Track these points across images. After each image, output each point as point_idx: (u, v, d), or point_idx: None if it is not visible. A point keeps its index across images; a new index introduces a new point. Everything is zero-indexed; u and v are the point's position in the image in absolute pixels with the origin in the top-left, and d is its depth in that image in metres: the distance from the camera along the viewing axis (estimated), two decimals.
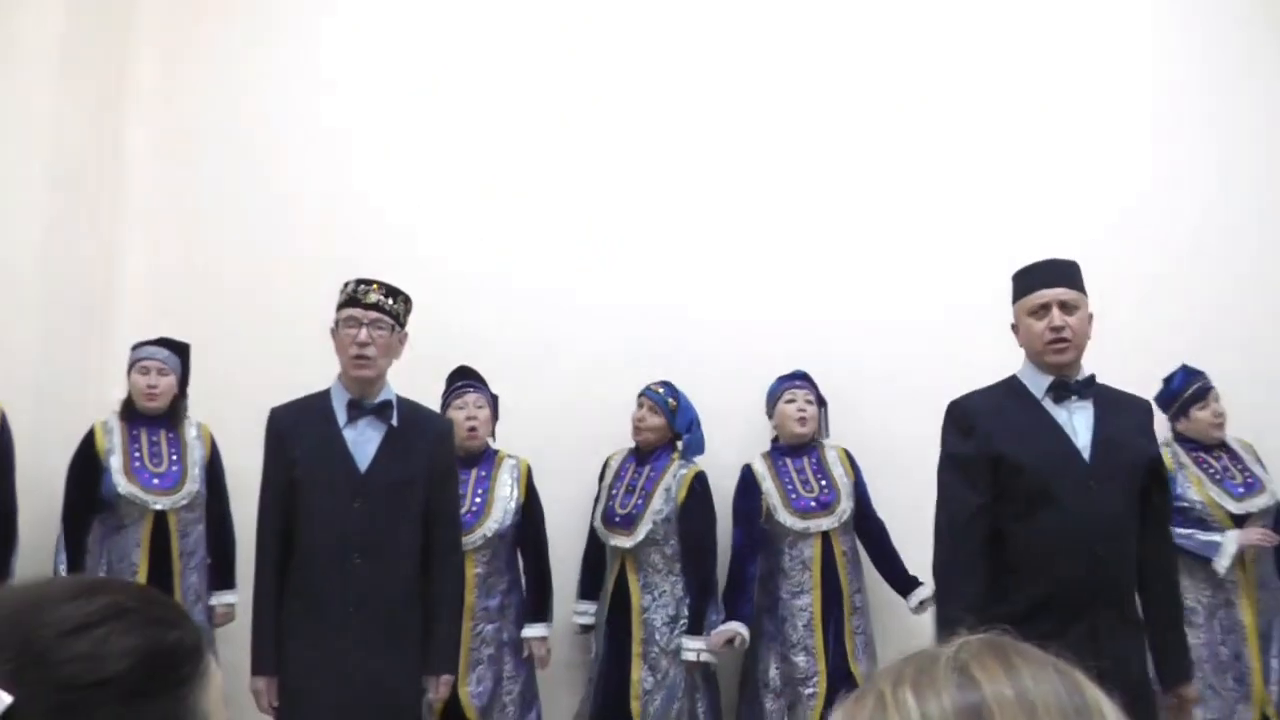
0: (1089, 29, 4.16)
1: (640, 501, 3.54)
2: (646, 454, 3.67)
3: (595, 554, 3.70)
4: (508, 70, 4.26)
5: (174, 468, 3.45)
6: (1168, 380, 3.58)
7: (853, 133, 4.15)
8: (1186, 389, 3.54)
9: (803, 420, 3.62)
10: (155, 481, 3.40)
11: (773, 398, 3.72)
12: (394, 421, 2.75)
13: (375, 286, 2.76)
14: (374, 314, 2.72)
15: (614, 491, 3.62)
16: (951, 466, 2.44)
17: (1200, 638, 3.25)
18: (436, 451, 2.82)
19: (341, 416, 2.73)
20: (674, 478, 3.58)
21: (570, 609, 3.74)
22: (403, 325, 2.80)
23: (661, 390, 3.69)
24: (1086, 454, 2.34)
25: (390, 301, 2.77)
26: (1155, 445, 2.48)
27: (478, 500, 3.44)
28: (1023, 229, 3.84)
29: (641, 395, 3.70)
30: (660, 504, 3.52)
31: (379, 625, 2.63)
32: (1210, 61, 4.11)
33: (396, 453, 2.72)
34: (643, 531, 3.48)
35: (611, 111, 4.22)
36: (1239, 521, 3.35)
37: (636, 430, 3.68)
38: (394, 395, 2.79)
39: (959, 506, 2.40)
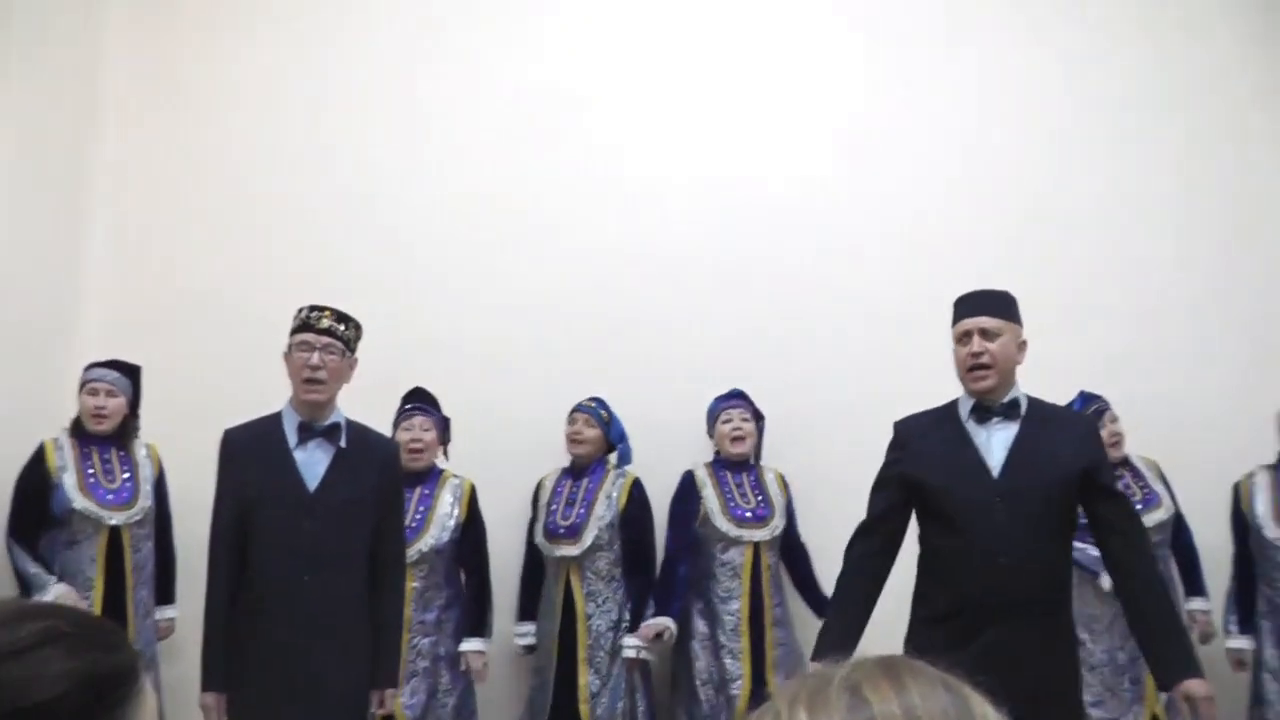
0: (1010, 73, 4.33)
1: (583, 511, 3.70)
2: (581, 468, 3.83)
3: (533, 575, 3.82)
4: (466, 87, 4.35)
5: (127, 484, 3.51)
6: (1069, 405, 3.77)
7: (799, 157, 4.29)
8: (1084, 411, 3.72)
9: (738, 439, 3.80)
10: (110, 497, 3.46)
11: (711, 417, 3.88)
12: (343, 443, 2.83)
13: (328, 313, 2.86)
14: (326, 339, 2.81)
15: (553, 507, 3.76)
16: (878, 477, 2.64)
17: (1101, 644, 3.46)
18: (383, 473, 2.90)
19: (292, 438, 2.81)
20: (614, 485, 3.78)
21: (512, 628, 3.83)
22: (353, 350, 2.89)
23: (594, 404, 3.86)
24: (996, 472, 2.46)
25: (342, 327, 2.86)
26: (1091, 459, 2.48)
27: (418, 516, 3.57)
28: (959, 255, 4.01)
29: (575, 411, 3.86)
30: (603, 510, 3.70)
31: (328, 641, 2.71)
32: (1128, 102, 4.30)
33: (345, 474, 2.81)
34: (589, 538, 3.65)
35: (556, 130, 4.32)
36: None
37: (573, 443, 3.82)
38: (343, 418, 2.87)
39: (869, 515, 2.61)
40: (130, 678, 0.83)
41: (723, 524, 3.70)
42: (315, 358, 2.79)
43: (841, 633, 2.46)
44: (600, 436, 3.84)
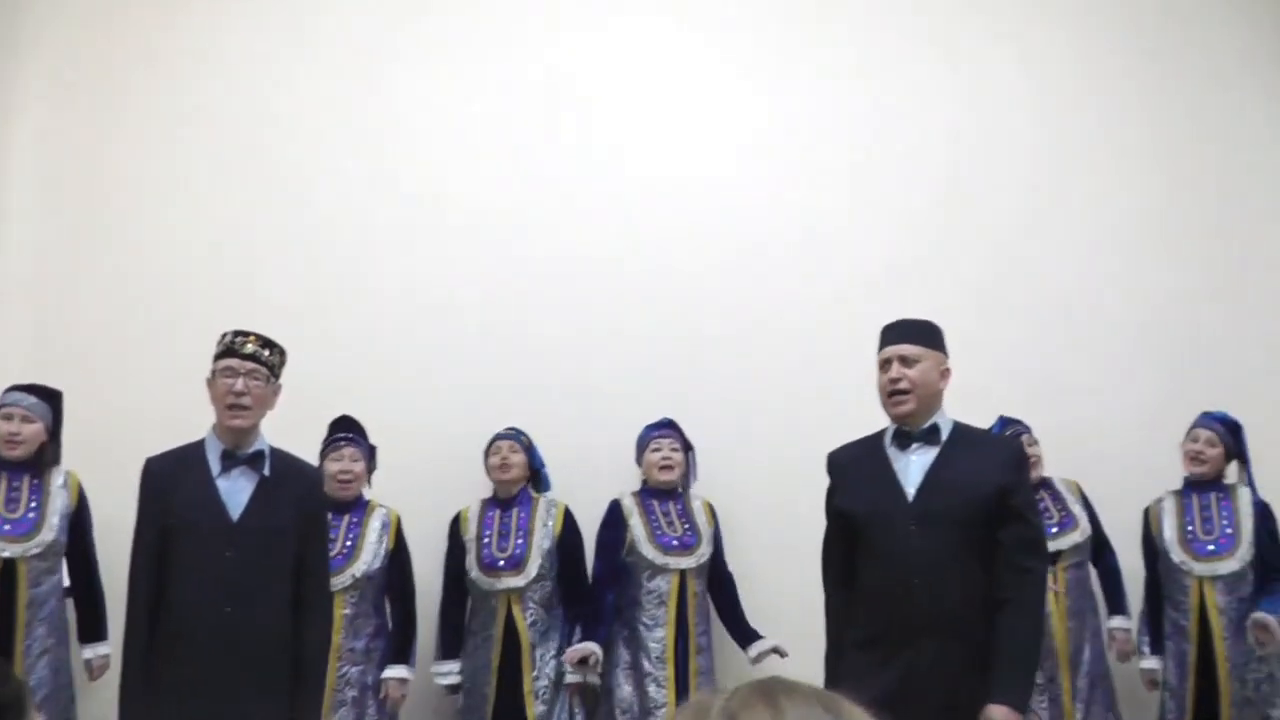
0: (936, 106, 4.44)
1: (521, 541, 3.69)
2: (509, 498, 3.81)
3: (456, 610, 3.77)
4: (391, 113, 4.36)
5: (30, 515, 3.39)
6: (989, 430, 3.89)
7: (733, 189, 4.35)
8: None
9: (667, 468, 3.83)
10: (7, 528, 3.34)
11: (641, 445, 3.90)
12: (266, 471, 2.80)
13: (252, 338, 2.82)
14: (250, 365, 2.78)
15: (485, 539, 3.73)
16: (826, 508, 2.72)
17: None
18: (307, 502, 2.87)
19: (215, 466, 2.76)
20: (548, 513, 3.78)
21: (433, 666, 3.77)
22: (277, 376, 2.86)
23: (514, 431, 3.87)
24: (911, 496, 2.51)
25: (266, 353, 2.83)
26: (1008, 481, 2.51)
27: (348, 544, 3.57)
28: (887, 285, 4.10)
29: (497, 440, 3.84)
30: (542, 539, 3.71)
31: (250, 674, 2.67)
32: (1045, 127, 4.42)
33: (268, 502, 2.77)
34: (534, 568, 3.66)
35: (474, 155, 4.34)
36: (1051, 559, 3.58)
37: (501, 471, 3.79)
38: (267, 445, 2.84)
39: (826, 553, 2.70)
40: (13, 711, 0.82)
41: (649, 552, 3.72)
42: (239, 383, 2.75)
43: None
44: (525, 463, 3.84)
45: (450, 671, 3.71)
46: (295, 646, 2.79)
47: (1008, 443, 2.74)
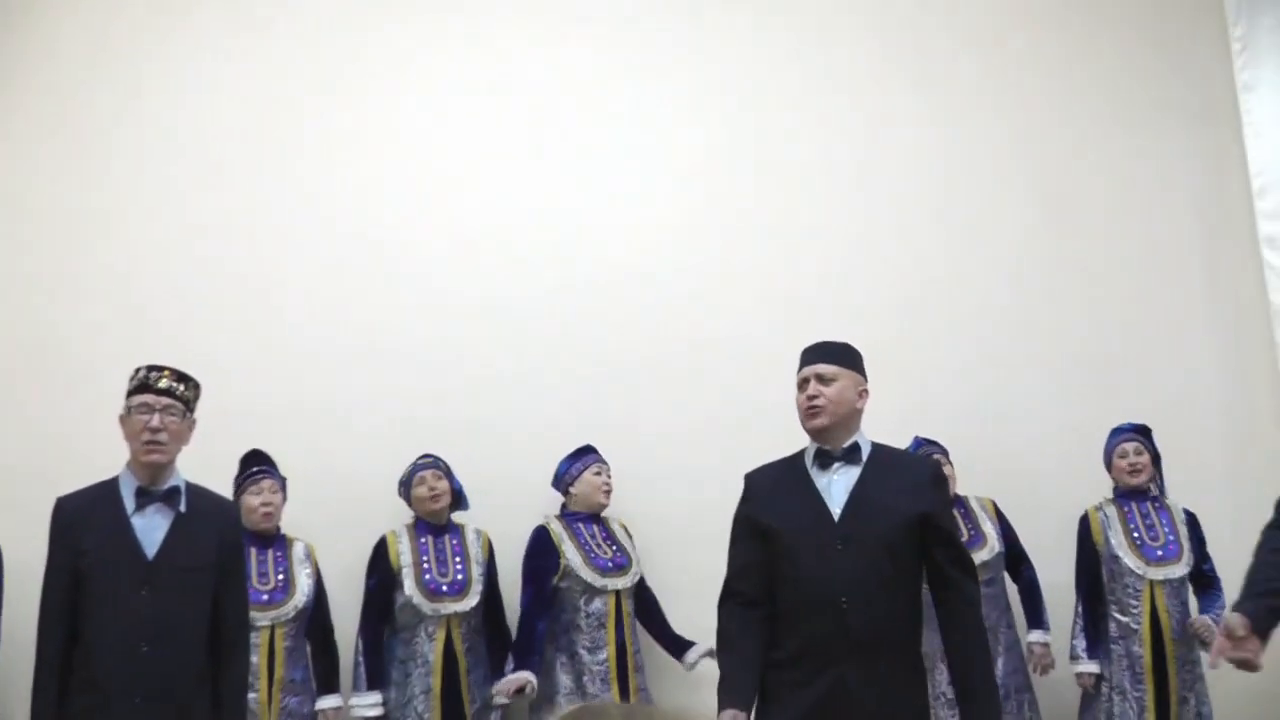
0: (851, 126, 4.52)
1: (461, 566, 3.71)
2: (439, 525, 3.81)
3: (381, 640, 3.71)
4: (293, 146, 4.33)
5: None
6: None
7: (642, 214, 4.37)
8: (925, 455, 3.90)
9: (609, 491, 3.89)
10: None
11: (575, 470, 3.90)
12: (182, 508, 2.75)
13: (167, 373, 2.78)
14: (166, 400, 2.74)
15: (424, 564, 3.70)
16: (733, 530, 2.69)
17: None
18: (225, 537, 2.84)
19: (130, 504, 2.71)
20: (476, 541, 3.82)
21: (354, 699, 3.68)
22: (192, 411, 2.83)
23: (432, 459, 3.86)
24: (837, 516, 2.52)
25: (181, 387, 2.79)
26: (930, 503, 2.56)
27: (280, 577, 3.56)
28: (802, 310, 4.14)
29: (420, 471, 3.81)
30: (476, 565, 3.74)
31: (167, 715, 2.62)
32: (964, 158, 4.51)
33: (185, 539, 2.72)
34: (476, 594, 3.68)
35: (386, 182, 4.34)
36: None
37: (434, 499, 3.77)
38: (183, 481, 2.80)
39: (733, 566, 2.66)
40: None
41: (588, 575, 3.71)
42: (155, 419, 2.71)
43: (737, 689, 2.51)
44: (449, 488, 3.85)
45: (374, 704, 3.63)
46: (215, 685, 2.75)
47: (927, 463, 2.75)
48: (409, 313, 4.23)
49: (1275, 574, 2.48)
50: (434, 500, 3.78)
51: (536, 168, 4.39)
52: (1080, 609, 3.83)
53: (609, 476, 3.90)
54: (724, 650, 2.60)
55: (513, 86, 4.43)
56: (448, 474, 3.85)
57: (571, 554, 3.74)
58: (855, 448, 2.61)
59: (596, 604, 3.70)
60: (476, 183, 4.37)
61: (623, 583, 3.74)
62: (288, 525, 3.70)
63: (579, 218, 4.35)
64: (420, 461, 3.84)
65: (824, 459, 2.61)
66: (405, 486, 3.84)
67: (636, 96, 4.46)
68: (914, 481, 2.59)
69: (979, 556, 3.74)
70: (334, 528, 3.85)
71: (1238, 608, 2.44)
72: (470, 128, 4.39)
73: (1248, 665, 2.38)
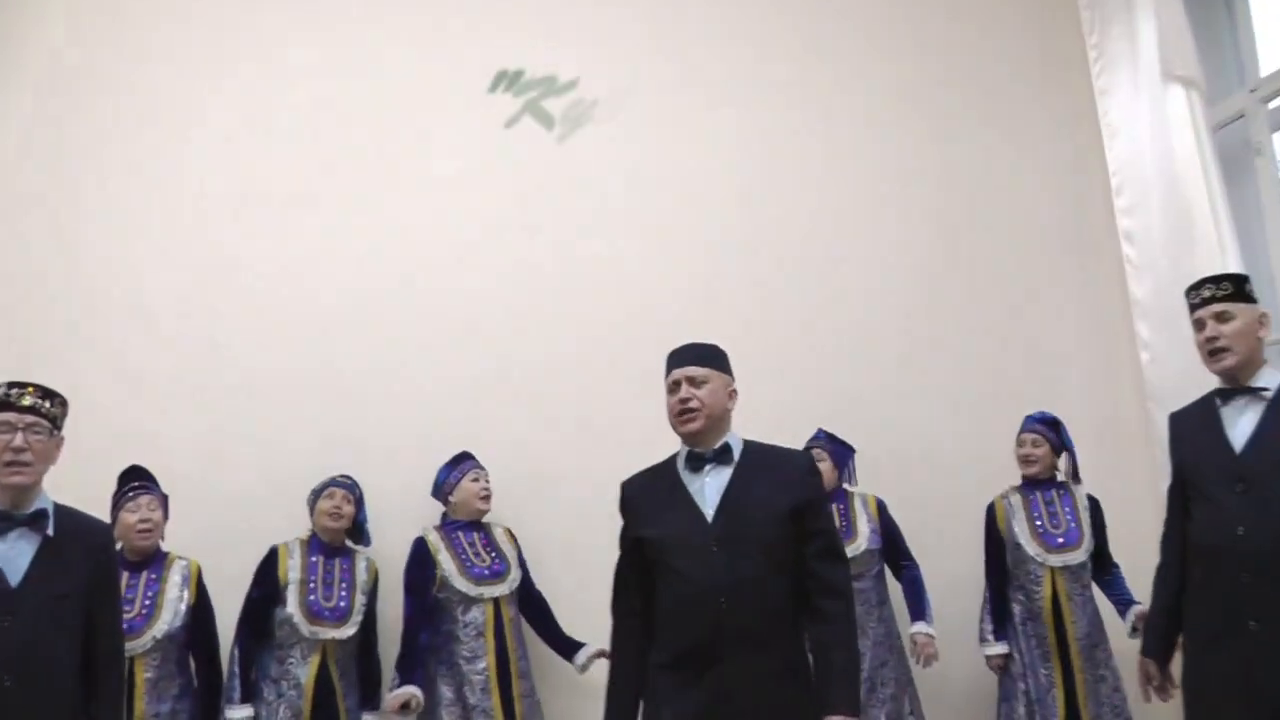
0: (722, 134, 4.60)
1: (345, 593, 3.64)
2: (333, 548, 3.73)
3: (255, 651, 3.60)
4: (179, 154, 4.27)
5: None
6: (811, 439, 4.06)
7: (520, 228, 4.41)
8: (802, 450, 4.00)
9: (487, 497, 3.87)
10: None
11: (454, 478, 3.87)
12: (50, 531, 2.58)
13: (30, 389, 2.61)
14: (30, 417, 2.57)
15: (310, 585, 3.61)
16: (620, 540, 2.69)
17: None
18: (98, 561, 2.67)
19: None
20: (365, 568, 3.76)
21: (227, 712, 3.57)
22: (59, 429, 2.66)
23: (350, 480, 3.80)
24: (710, 517, 2.54)
25: (47, 404, 2.62)
26: (801, 497, 2.55)
27: (147, 603, 3.39)
28: (684, 314, 4.21)
29: (332, 487, 3.75)
30: (361, 594, 3.68)
31: None
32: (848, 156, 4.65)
33: (53, 565, 2.56)
34: (355, 623, 3.61)
35: (266, 201, 4.30)
36: None
37: (336, 518, 3.70)
38: (50, 503, 2.62)
39: (618, 576, 2.67)
40: None
41: (462, 584, 3.68)
42: (18, 438, 2.54)
43: (621, 702, 2.57)
44: (354, 515, 3.77)
45: (246, 717, 3.51)
46: (87, 717, 2.59)
47: (801, 458, 2.72)
48: (286, 328, 4.20)
49: (1168, 621, 2.84)
50: (334, 519, 3.71)
51: (411, 183, 4.39)
52: (988, 594, 3.96)
53: (487, 482, 3.88)
54: (614, 655, 2.66)
55: (366, 98, 4.44)
56: (358, 502, 3.79)
57: (447, 564, 3.71)
58: (726, 448, 2.63)
59: (474, 613, 3.67)
60: (350, 200, 4.34)
61: (500, 590, 3.71)
62: (179, 543, 3.59)
63: (454, 232, 4.36)
64: (338, 478, 3.78)
65: (695, 461, 2.61)
66: (314, 496, 3.75)
67: (498, 113, 4.48)
68: (786, 476, 2.60)
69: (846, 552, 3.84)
70: (224, 545, 3.76)
71: (1146, 651, 2.90)
72: (350, 139, 4.39)
73: (1166, 695, 2.88)
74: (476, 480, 3.86)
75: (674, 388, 2.64)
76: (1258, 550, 2.55)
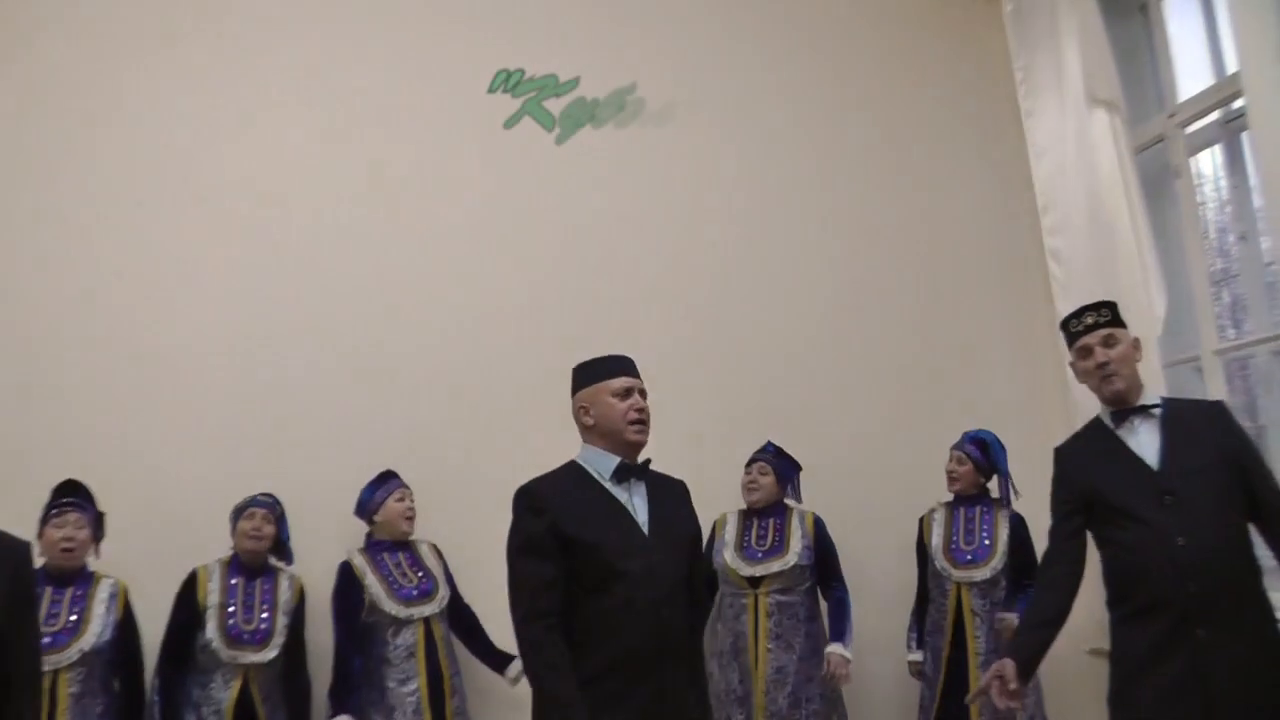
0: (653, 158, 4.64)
1: (266, 615, 3.58)
2: (254, 568, 3.68)
3: (178, 681, 3.55)
4: (128, 169, 4.26)
5: None
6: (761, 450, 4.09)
7: (441, 237, 4.42)
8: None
9: (411, 517, 3.84)
10: None
11: (378, 498, 3.84)
12: None
13: None
14: None
15: (229, 608, 3.56)
16: (526, 547, 2.54)
17: (727, 676, 3.83)
18: (14, 578, 2.55)
19: None
20: (289, 588, 3.70)
21: None
22: None
23: (270, 499, 3.76)
24: (645, 529, 2.57)
25: None
26: (697, 525, 2.77)
27: (73, 618, 3.34)
28: (613, 328, 4.21)
29: (252, 507, 3.71)
30: (283, 615, 3.62)
31: None
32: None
33: None
34: (277, 645, 3.55)
35: (204, 203, 4.28)
36: (754, 583, 3.88)
37: (253, 539, 3.66)
38: None
39: (536, 583, 2.51)
40: None
41: (391, 607, 3.64)
42: None
43: (564, 663, 2.49)
44: (275, 534, 3.73)
45: None
46: None
47: (683, 486, 2.80)
48: (218, 340, 4.20)
49: (1042, 610, 2.76)
50: (254, 540, 3.67)
51: (348, 201, 4.39)
52: (915, 605, 4.06)
53: (411, 501, 3.85)
54: (551, 670, 2.47)
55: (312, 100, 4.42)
56: (279, 520, 3.75)
57: (374, 586, 3.68)
58: (646, 464, 2.68)
59: (405, 635, 3.64)
60: (278, 208, 4.32)
61: (430, 609, 3.68)
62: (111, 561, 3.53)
63: (389, 250, 4.37)
64: (259, 497, 3.74)
65: (622, 474, 2.62)
66: (235, 515, 3.71)
67: (436, 135, 4.48)
68: (683, 499, 2.76)
69: (771, 566, 3.90)
70: (158, 563, 3.70)
71: (1012, 653, 2.71)
72: (308, 161, 4.38)
73: (1016, 703, 2.66)
74: (401, 500, 3.83)
75: (625, 394, 2.64)
76: (1200, 558, 2.57)
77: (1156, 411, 2.79)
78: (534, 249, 4.43)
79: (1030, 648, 2.72)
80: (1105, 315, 2.84)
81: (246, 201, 4.28)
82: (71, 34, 4.31)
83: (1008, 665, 2.65)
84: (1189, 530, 2.60)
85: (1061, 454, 2.92)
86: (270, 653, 3.54)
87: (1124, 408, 2.80)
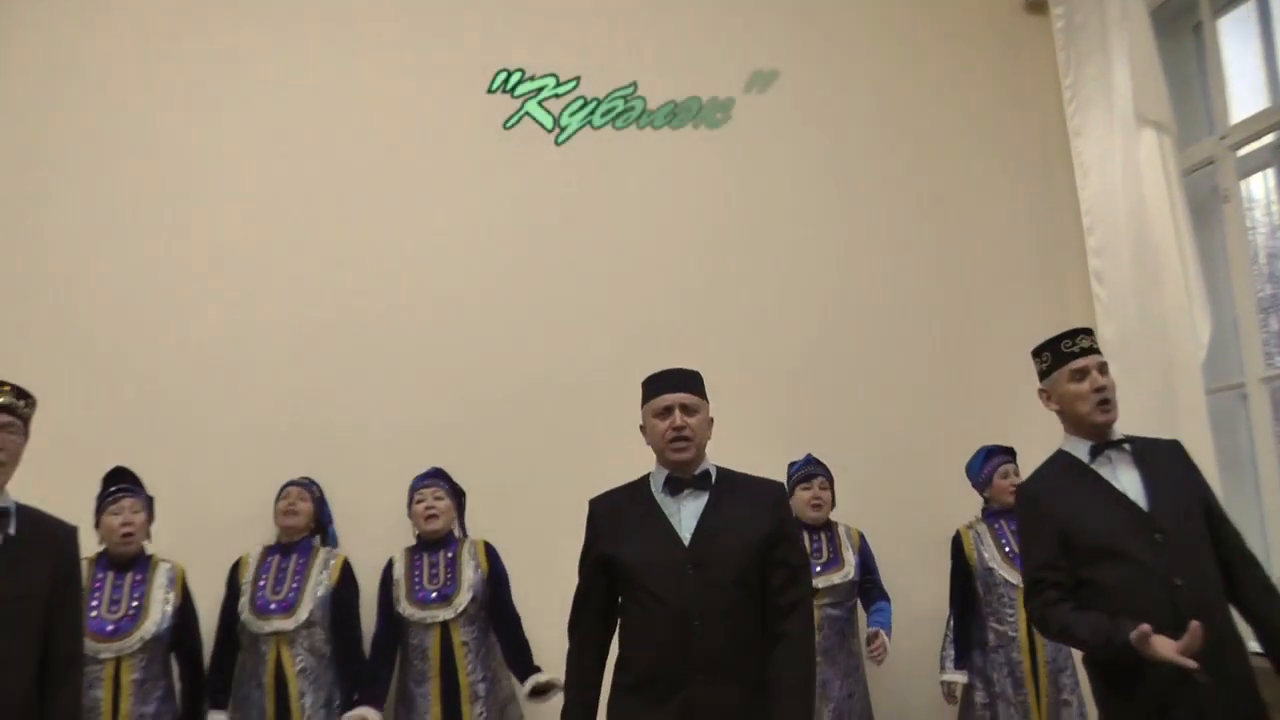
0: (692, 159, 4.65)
1: (295, 585, 3.67)
2: (290, 545, 3.81)
3: (227, 658, 3.72)
4: (157, 170, 4.36)
5: None
6: (793, 464, 4.09)
7: (492, 240, 4.47)
8: (796, 473, 4.05)
9: (433, 517, 3.83)
10: None
11: (409, 498, 3.92)
12: (12, 531, 2.63)
13: (6, 388, 2.67)
14: (6, 417, 2.63)
15: (260, 583, 3.70)
16: (580, 560, 2.73)
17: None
18: (60, 561, 2.70)
19: None
20: (325, 563, 3.77)
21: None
22: (29, 429, 2.74)
23: (306, 480, 3.89)
24: (686, 541, 2.58)
25: (22, 403, 2.69)
26: (772, 523, 2.61)
27: (134, 604, 3.45)
28: (660, 336, 4.29)
29: (288, 486, 3.85)
30: (316, 585, 3.69)
31: None
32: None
33: (14, 565, 2.60)
34: (304, 612, 3.63)
35: (251, 200, 4.38)
36: None
37: (287, 515, 3.78)
38: (13, 503, 2.67)
39: (579, 596, 2.71)
40: None
41: (406, 609, 3.73)
42: None
43: (589, 674, 2.63)
44: (312, 511, 3.85)
45: None
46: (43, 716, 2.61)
47: (771, 486, 2.76)
48: (272, 331, 4.28)
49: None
50: (287, 517, 3.79)
51: (404, 195, 4.46)
52: (952, 622, 3.98)
53: (435, 500, 3.83)
54: (570, 685, 2.68)
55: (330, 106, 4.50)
56: (317, 501, 3.84)
57: (399, 585, 3.77)
58: (706, 474, 2.68)
59: (421, 636, 3.71)
60: (342, 200, 4.41)
61: (446, 614, 3.70)
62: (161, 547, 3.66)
63: (446, 250, 4.43)
64: (294, 479, 3.86)
65: (674, 486, 2.66)
66: (276, 498, 3.85)
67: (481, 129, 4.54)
68: (758, 504, 2.65)
69: (831, 579, 3.89)
70: (210, 548, 3.83)
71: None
72: (322, 152, 4.45)
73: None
74: (421, 501, 3.84)
75: (665, 413, 2.66)
76: (1198, 599, 2.48)
77: (1127, 447, 2.70)
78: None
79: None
80: (1095, 341, 2.77)
81: (291, 195, 4.38)
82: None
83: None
84: (1183, 571, 2.52)
85: (1032, 492, 2.75)
86: (296, 619, 3.59)
87: (1103, 441, 2.70)
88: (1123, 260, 4.17)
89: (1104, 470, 2.68)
